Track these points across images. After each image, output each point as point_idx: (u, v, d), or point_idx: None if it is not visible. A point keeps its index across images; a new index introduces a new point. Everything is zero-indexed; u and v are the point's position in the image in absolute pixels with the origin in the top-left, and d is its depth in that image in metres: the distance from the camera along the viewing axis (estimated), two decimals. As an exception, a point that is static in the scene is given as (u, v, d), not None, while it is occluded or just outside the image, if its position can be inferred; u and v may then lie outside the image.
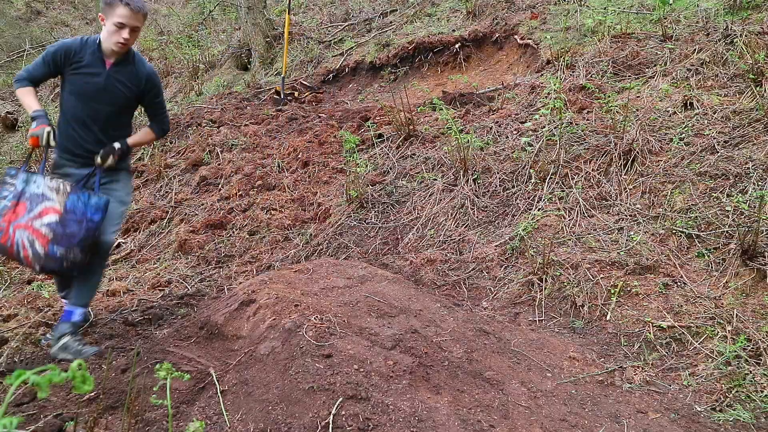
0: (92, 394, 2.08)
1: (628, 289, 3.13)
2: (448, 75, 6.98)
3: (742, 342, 2.63)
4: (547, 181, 4.04)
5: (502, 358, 2.56)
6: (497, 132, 4.76)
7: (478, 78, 6.50)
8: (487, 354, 2.55)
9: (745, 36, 4.40)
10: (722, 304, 2.89)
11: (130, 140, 2.95)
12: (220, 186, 5.32)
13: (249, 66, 8.61)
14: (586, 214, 3.71)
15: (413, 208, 4.31)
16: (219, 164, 5.63)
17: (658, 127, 4.11)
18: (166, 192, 5.46)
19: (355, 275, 3.11)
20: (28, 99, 2.85)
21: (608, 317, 3.05)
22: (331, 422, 1.80)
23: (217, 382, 2.20)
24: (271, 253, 4.33)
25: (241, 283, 3.62)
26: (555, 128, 4.31)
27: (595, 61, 5.18)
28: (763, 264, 2.94)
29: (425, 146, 4.96)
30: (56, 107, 5.35)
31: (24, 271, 4.45)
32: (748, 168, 3.44)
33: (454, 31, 7.17)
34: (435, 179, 4.44)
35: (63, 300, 3.14)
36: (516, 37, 6.54)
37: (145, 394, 1.98)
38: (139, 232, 5.00)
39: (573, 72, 5.19)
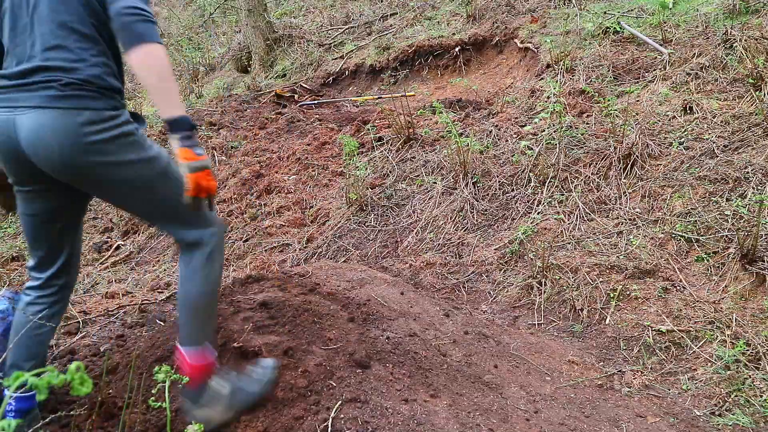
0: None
1: (628, 293, 3.12)
2: (448, 78, 6.99)
3: (741, 346, 2.63)
4: (546, 184, 4.04)
5: (501, 361, 2.56)
6: (497, 135, 4.77)
7: (478, 81, 6.51)
8: (486, 357, 2.55)
9: (745, 41, 4.41)
10: (721, 308, 2.89)
11: None
12: (219, 188, 5.32)
13: (249, 68, 8.63)
14: (585, 218, 3.71)
15: (413, 212, 4.31)
16: (218, 167, 5.63)
17: (657, 131, 4.12)
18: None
19: (354, 278, 3.11)
20: (175, 89, 1.66)
21: (607, 321, 3.05)
22: (330, 425, 1.79)
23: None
24: (270, 256, 4.33)
25: (240, 285, 3.61)
26: (555, 132, 4.31)
27: (595, 65, 5.18)
28: (763, 268, 2.94)
29: (425, 149, 4.96)
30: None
31: (22, 273, 4.45)
32: (748, 172, 3.44)
33: (454, 34, 7.18)
34: (434, 182, 4.44)
35: None
36: (516, 40, 6.55)
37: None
38: (139, 234, 5.00)
39: (573, 76, 5.20)
